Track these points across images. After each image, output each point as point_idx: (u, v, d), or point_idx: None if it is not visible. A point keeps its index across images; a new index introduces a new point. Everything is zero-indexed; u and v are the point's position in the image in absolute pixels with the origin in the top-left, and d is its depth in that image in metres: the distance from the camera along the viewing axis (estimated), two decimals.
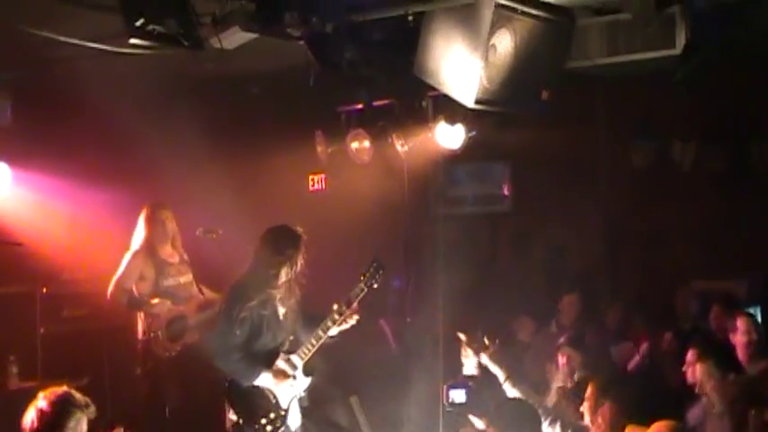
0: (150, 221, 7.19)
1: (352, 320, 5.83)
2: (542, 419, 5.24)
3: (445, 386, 4.57)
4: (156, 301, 7.05)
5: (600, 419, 4.80)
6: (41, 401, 4.37)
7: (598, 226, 9.40)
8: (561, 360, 6.80)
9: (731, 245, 8.61)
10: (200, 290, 7.20)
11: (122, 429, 4.49)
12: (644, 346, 7.36)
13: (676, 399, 6.11)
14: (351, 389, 6.77)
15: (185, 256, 7.34)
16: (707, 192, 8.85)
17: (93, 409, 4.39)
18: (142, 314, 7.15)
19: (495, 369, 5.45)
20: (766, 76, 8.16)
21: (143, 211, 7.26)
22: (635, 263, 9.17)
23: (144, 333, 7.13)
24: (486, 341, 5.48)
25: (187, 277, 7.27)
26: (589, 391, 5.33)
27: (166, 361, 7.06)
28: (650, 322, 8.03)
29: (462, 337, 5.45)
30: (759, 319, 7.19)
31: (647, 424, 4.52)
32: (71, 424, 4.28)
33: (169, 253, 7.24)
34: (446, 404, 4.56)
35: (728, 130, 8.66)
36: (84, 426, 4.38)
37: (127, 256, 7.16)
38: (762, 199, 8.47)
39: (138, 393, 7.60)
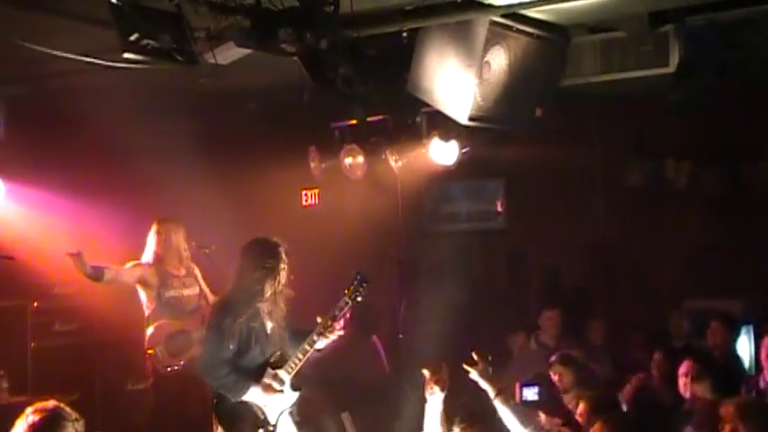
0: (158, 234, 7.24)
1: (336, 334, 5.80)
2: None
3: (518, 384, 4.51)
4: (150, 330, 7.03)
5: None
6: (31, 416, 4.33)
7: (592, 244, 9.39)
8: (553, 378, 6.77)
9: (725, 265, 8.60)
10: (207, 302, 7.17)
11: None
12: (638, 377, 7.29)
13: (667, 418, 6.08)
14: (342, 405, 6.73)
15: (195, 271, 7.34)
16: (701, 212, 8.85)
17: (81, 423, 4.35)
18: (145, 330, 7.12)
19: (484, 385, 5.41)
20: (761, 97, 8.19)
21: (153, 224, 7.29)
22: (628, 281, 9.15)
23: (145, 349, 7.11)
24: (476, 357, 5.44)
25: (193, 290, 7.27)
26: (581, 408, 5.30)
27: (167, 376, 7.03)
28: (644, 341, 8.01)
29: (426, 372, 5.43)
30: (752, 339, 7.20)
31: None
32: None
33: (175, 266, 7.25)
34: (519, 402, 4.50)
35: (723, 151, 8.68)
36: None
37: (132, 263, 7.19)
38: (755, 219, 8.48)
39: (133, 408, 7.57)
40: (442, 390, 5.35)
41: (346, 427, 6.56)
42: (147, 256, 7.25)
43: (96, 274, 6.97)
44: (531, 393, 4.39)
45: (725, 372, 6.02)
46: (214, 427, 5.73)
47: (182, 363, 7.00)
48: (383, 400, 7.58)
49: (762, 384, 6.26)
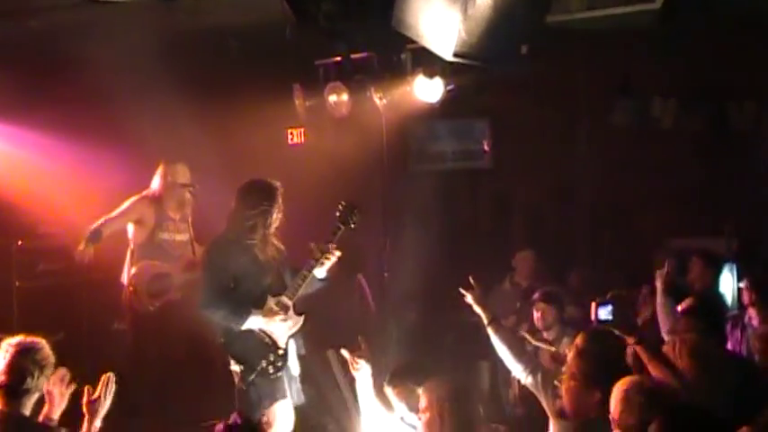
0: (163, 176, 7.22)
1: (334, 257, 5.83)
2: (522, 367, 5.27)
3: (593, 303, 4.55)
4: (134, 269, 7.04)
5: (568, 374, 4.78)
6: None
7: (578, 184, 9.41)
8: (536, 315, 6.83)
9: (709, 203, 8.65)
10: (193, 251, 7.18)
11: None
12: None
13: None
14: (327, 343, 6.78)
15: (189, 217, 7.32)
16: (686, 150, 8.87)
17: (46, 354, 4.42)
18: (127, 267, 7.12)
19: (478, 311, 5.44)
20: (747, 37, 8.14)
21: (160, 163, 7.26)
22: (613, 221, 9.19)
23: (126, 286, 7.12)
24: (472, 281, 5.47)
25: (183, 236, 7.27)
26: (571, 354, 5.32)
27: (145, 316, 7.06)
28: (626, 281, 8.06)
29: (345, 353, 5.50)
30: (735, 277, 7.25)
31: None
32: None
33: (173, 209, 7.24)
34: (594, 321, 4.54)
35: (708, 91, 8.66)
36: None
37: (133, 198, 7.18)
38: (740, 158, 8.51)
39: (117, 347, 7.60)
40: (367, 362, 5.40)
41: (332, 365, 6.60)
42: (149, 191, 7.24)
43: (95, 239, 6.99)
44: (604, 312, 4.42)
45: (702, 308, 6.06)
46: (229, 364, 5.78)
47: (157, 305, 7.03)
48: (368, 338, 7.64)
49: (746, 320, 6.33)
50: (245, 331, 5.75)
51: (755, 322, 6.24)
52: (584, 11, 6.54)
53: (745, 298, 6.38)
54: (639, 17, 6.42)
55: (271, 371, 5.76)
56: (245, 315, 5.71)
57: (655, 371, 4.46)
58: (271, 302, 5.78)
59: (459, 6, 5.67)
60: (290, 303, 5.82)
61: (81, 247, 7.01)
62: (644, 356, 4.52)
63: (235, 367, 5.79)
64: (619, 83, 8.96)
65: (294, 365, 5.92)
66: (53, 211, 8.17)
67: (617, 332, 4.60)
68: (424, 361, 5.67)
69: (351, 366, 5.48)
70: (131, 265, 7.12)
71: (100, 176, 8.04)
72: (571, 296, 7.79)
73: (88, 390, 4.47)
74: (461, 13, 5.69)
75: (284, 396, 5.80)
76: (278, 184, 5.84)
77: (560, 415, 4.72)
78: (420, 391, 4.94)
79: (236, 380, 5.81)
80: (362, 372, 5.46)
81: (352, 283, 8.11)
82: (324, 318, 7.42)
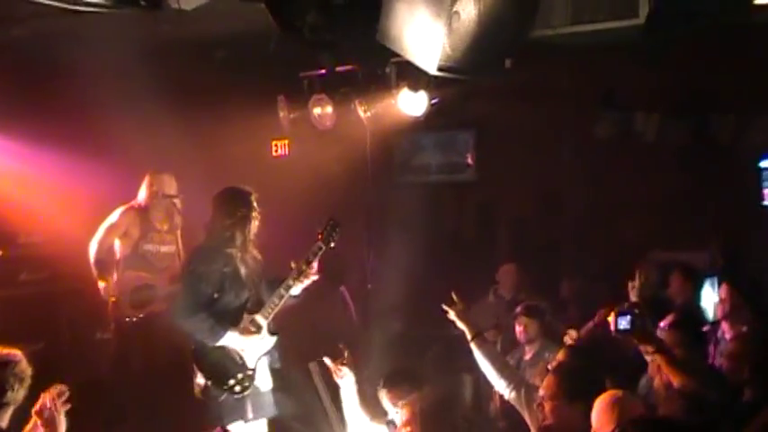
0: (149, 186, 7.20)
1: (312, 278, 5.82)
2: (505, 383, 5.27)
3: (614, 312, 4.56)
4: (116, 280, 7.02)
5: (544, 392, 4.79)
6: None
7: (561, 196, 9.43)
8: (518, 328, 6.84)
9: (692, 217, 8.68)
10: (180, 262, 7.15)
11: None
12: (600, 313, 7.40)
13: (633, 368, 6.15)
14: (310, 355, 6.76)
15: (178, 228, 7.28)
16: (669, 164, 8.91)
17: (22, 366, 4.37)
18: (112, 278, 7.10)
19: (461, 326, 5.45)
20: (729, 50, 8.19)
21: (146, 175, 7.26)
22: (597, 233, 9.22)
23: (109, 295, 7.09)
24: (455, 297, 5.48)
25: (170, 248, 7.26)
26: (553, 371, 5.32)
27: (128, 325, 7.04)
28: (611, 293, 8.07)
29: (327, 361, 5.50)
30: (716, 291, 7.27)
31: None
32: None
33: (160, 220, 7.22)
34: (613, 331, 4.56)
35: (691, 104, 8.71)
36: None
37: (119, 210, 7.16)
38: (722, 172, 8.54)
39: (99, 356, 7.56)
40: (351, 369, 5.40)
41: (314, 377, 6.58)
42: (135, 201, 7.23)
43: (104, 268, 7.04)
44: (624, 322, 4.45)
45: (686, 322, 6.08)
46: (194, 374, 5.75)
47: (140, 315, 7.00)
48: (351, 349, 7.62)
49: (719, 333, 6.35)
50: (218, 346, 5.72)
51: (728, 336, 6.28)
52: (568, 25, 6.56)
53: (719, 311, 6.42)
54: (623, 32, 6.45)
55: (237, 389, 5.72)
56: (222, 332, 5.67)
57: (675, 378, 4.48)
58: (246, 321, 5.74)
59: (444, 20, 5.66)
60: (264, 323, 5.78)
61: (100, 285, 7.02)
62: (663, 364, 4.54)
63: (200, 380, 5.75)
64: (602, 96, 9.01)
65: (266, 380, 5.88)
66: (35, 220, 8.14)
67: (636, 342, 4.64)
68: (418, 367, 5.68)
69: (334, 374, 5.47)
70: (116, 276, 7.09)
71: (83, 185, 8.01)
72: (558, 308, 7.83)
73: (44, 397, 4.40)
74: (446, 26, 5.68)
75: (243, 417, 5.73)
76: (251, 189, 5.84)
77: None
78: (401, 403, 4.96)
79: (197, 391, 5.76)
80: (346, 379, 5.46)
81: (335, 294, 8.10)
82: (306, 329, 7.44)
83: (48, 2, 5.15)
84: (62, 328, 8.09)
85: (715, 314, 7.19)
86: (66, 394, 4.42)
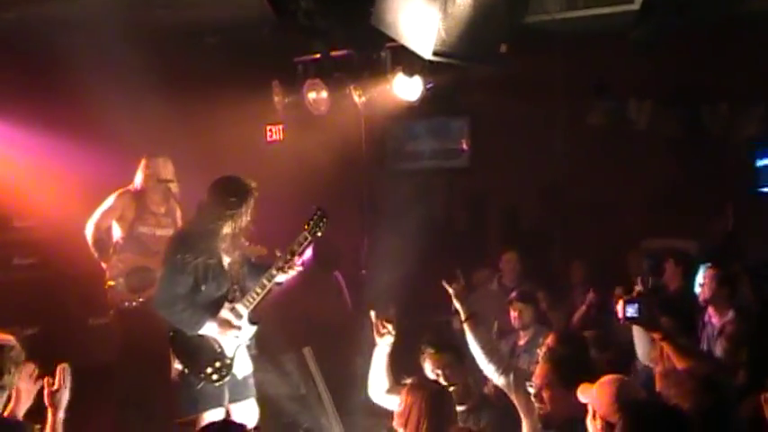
0: (145, 169, 7.14)
1: (296, 269, 5.78)
2: (494, 368, 5.29)
3: (622, 300, 4.62)
4: (112, 264, 7.02)
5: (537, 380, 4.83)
6: None
7: (554, 184, 9.46)
8: (513, 314, 6.86)
9: (683, 205, 8.71)
10: None
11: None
12: (590, 296, 7.45)
13: (626, 355, 6.18)
14: (304, 340, 6.77)
15: (177, 213, 7.26)
16: (661, 152, 8.95)
17: (16, 350, 4.38)
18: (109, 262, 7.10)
19: (457, 305, 5.45)
20: (721, 40, 8.22)
21: (142, 159, 7.18)
22: (588, 221, 9.25)
23: (106, 280, 7.09)
24: (458, 275, 5.48)
25: (166, 231, 7.15)
26: (543, 350, 5.35)
27: (129, 311, 7.02)
28: (603, 280, 8.11)
29: (373, 314, 5.49)
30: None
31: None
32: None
33: (156, 202, 7.17)
34: (622, 318, 4.62)
35: (683, 93, 8.74)
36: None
37: (115, 194, 7.12)
38: (713, 161, 8.57)
39: (93, 342, 7.59)
40: (394, 328, 5.38)
41: (308, 362, 6.59)
42: (132, 185, 7.18)
43: (103, 246, 7.00)
44: (632, 310, 4.51)
45: (678, 309, 6.14)
46: (171, 360, 5.72)
47: (140, 299, 6.99)
48: (345, 335, 7.64)
49: (705, 318, 6.40)
50: (197, 334, 5.64)
51: (715, 320, 6.32)
52: (562, 11, 6.56)
53: (701, 295, 6.44)
54: (618, 18, 6.46)
55: (214, 378, 5.63)
56: (200, 322, 5.60)
57: (682, 362, 4.53)
58: (226, 309, 5.66)
59: (439, 5, 5.68)
60: (245, 313, 5.72)
61: (105, 266, 7.00)
62: (671, 350, 4.58)
63: (177, 365, 5.69)
64: (595, 84, 9.03)
65: (246, 366, 5.82)
66: (28, 204, 8.12)
67: (644, 329, 4.64)
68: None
69: (376, 329, 5.42)
70: (111, 257, 7.07)
71: (75, 170, 7.99)
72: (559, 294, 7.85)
73: (48, 381, 4.42)
74: (441, 11, 5.70)
75: (219, 404, 5.66)
76: (254, 184, 5.71)
77: (546, 426, 4.73)
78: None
79: (174, 375, 5.72)
80: (385, 338, 5.42)
81: (329, 280, 8.11)
82: (300, 315, 7.45)
83: None
84: (55, 312, 8.07)
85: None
86: (36, 373, 4.45)
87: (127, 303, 6.99)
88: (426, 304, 8.12)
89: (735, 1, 7.68)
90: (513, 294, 7.00)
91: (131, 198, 7.10)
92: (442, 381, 5.22)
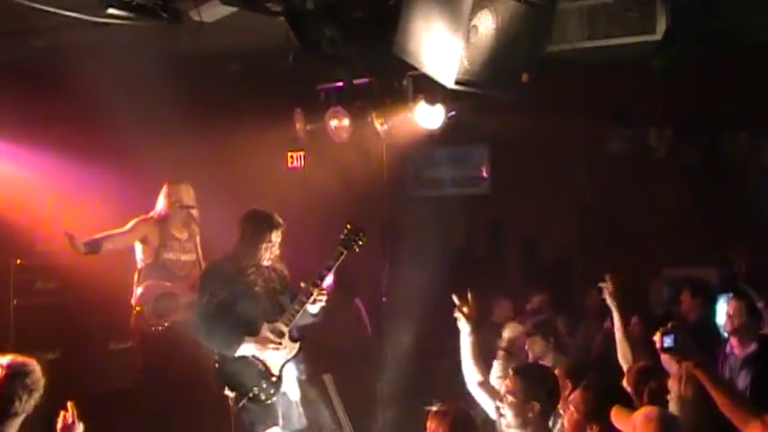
0: (165, 195, 7.21)
1: (323, 300, 5.85)
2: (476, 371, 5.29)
3: (660, 332, 4.72)
4: (140, 289, 7.05)
5: (572, 407, 4.80)
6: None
7: (574, 211, 9.45)
8: (526, 346, 6.82)
9: (703, 233, 8.68)
10: (200, 270, 7.17)
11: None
12: (607, 325, 7.41)
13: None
14: (325, 367, 6.78)
15: (197, 237, 7.31)
16: (681, 180, 8.92)
17: (35, 376, 4.36)
18: (135, 286, 7.13)
19: (464, 323, 5.40)
20: (742, 68, 8.23)
21: (164, 185, 7.25)
22: (609, 249, 9.22)
23: (133, 306, 7.13)
24: (470, 297, 5.45)
25: (190, 256, 7.24)
26: (557, 373, 5.33)
27: (154, 336, 7.05)
28: (623, 308, 8.07)
29: (455, 299, 5.41)
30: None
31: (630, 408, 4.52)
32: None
33: (179, 228, 7.23)
34: (660, 349, 4.72)
35: (703, 121, 8.73)
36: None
37: (136, 219, 7.17)
38: (733, 189, 8.54)
39: (114, 367, 7.63)
40: (468, 319, 5.32)
41: (328, 389, 6.60)
42: (153, 212, 7.23)
43: (93, 249, 6.96)
44: (669, 340, 4.61)
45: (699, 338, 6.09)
46: (224, 390, 5.78)
47: (166, 324, 7.03)
48: (365, 362, 7.65)
49: (728, 349, 6.34)
50: (238, 357, 5.76)
51: (738, 351, 6.27)
52: (583, 41, 6.60)
53: (728, 326, 6.40)
54: (639, 47, 6.49)
55: (263, 397, 5.77)
56: (237, 343, 5.71)
57: (715, 393, 4.52)
58: (266, 329, 5.77)
59: (462, 34, 5.70)
60: (285, 330, 5.80)
61: (75, 242, 6.91)
62: (704, 379, 4.58)
63: (229, 393, 5.81)
64: (616, 112, 9.03)
65: (294, 390, 5.92)
66: (51, 229, 8.16)
67: (679, 358, 4.71)
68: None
69: (458, 311, 5.36)
70: (137, 285, 7.12)
71: (99, 196, 8.06)
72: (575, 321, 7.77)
73: (64, 415, 4.42)
74: (464, 40, 5.72)
75: (276, 423, 5.78)
76: (281, 220, 5.87)
77: None
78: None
79: (231, 403, 5.83)
80: (462, 326, 5.33)
81: (349, 306, 8.12)
82: (320, 341, 7.45)
83: (73, 14, 5.23)
84: (76, 337, 8.09)
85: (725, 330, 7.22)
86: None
87: (153, 329, 7.02)
88: (446, 330, 8.11)
89: (754, 30, 7.69)
90: (529, 326, 6.98)
91: (154, 224, 7.15)
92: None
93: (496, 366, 6.41)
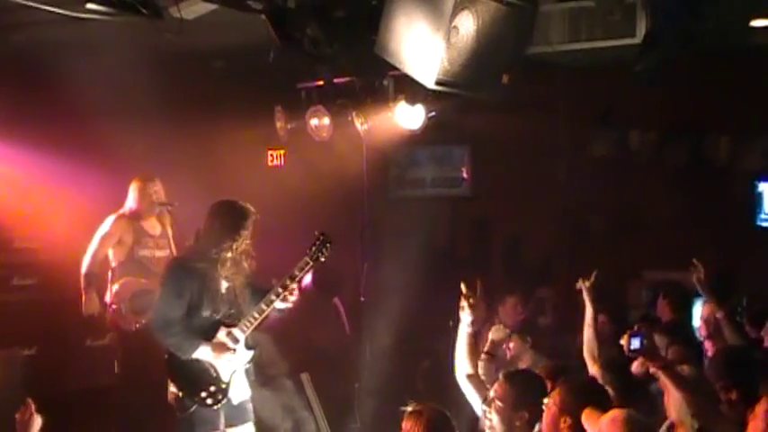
0: (138, 191, 7.21)
1: (294, 297, 5.79)
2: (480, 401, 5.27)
3: (627, 333, 4.77)
4: (115, 287, 7.01)
5: (551, 403, 4.80)
6: None
7: (556, 213, 9.46)
8: (506, 345, 6.83)
9: (684, 237, 8.70)
10: None
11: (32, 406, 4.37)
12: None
13: None
14: (302, 366, 6.77)
15: (169, 231, 7.29)
16: (663, 183, 8.93)
17: None
18: (110, 284, 7.10)
19: (466, 313, 5.38)
20: (726, 72, 8.25)
21: (134, 179, 7.25)
22: (590, 251, 9.23)
23: (109, 304, 7.10)
24: (478, 286, 5.43)
25: (164, 252, 7.26)
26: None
27: (131, 334, 7.04)
28: (604, 310, 8.08)
29: (462, 287, 5.38)
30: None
31: (603, 409, 4.54)
32: None
33: (152, 225, 7.26)
34: (626, 351, 4.76)
35: (686, 124, 8.74)
36: None
37: (110, 218, 7.17)
38: (716, 193, 8.57)
39: (91, 363, 7.65)
40: (472, 309, 5.28)
41: (305, 388, 6.58)
42: (125, 209, 7.24)
43: (92, 282, 7.06)
44: (636, 343, 4.72)
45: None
46: (168, 384, 5.73)
47: (143, 321, 7.00)
48: (343, 361, 7.64)
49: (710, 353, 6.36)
50: (193, 358, 5.67)
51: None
52: (565, 43, 6.61)
53: (702, 330, 6.44)
54: (619, 51, 6.50)
55: (209, 402, 5.67)
56: (193, 346, 5.63)
57: (681, 394, 4.60)
58: (222, 333, 5.69)
59: (443, 35, 5.69)
60: (241, 337, 5.73)
61: (84, 299, 7.05)
62: (670, 381, 4.70)
63: (173, 389, 5.73)
64: (599, 114, 9.05)
65: (243, 391, 5.83)
66: (28, 225, 8.14)
67: (645, 359, 4.84)
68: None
69: (463, 300, 5.32)
70: (112, 283, 7.09)
71: (78, 192, 8.03)
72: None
73: (23, 410, 4.35)
74: (444, 41, 5.71)
75: (215, 428, 5.68)
76: (253, 209, 5.78)
77: None
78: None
79: (170, 399, 5.74)
80: (464, 316, 5.31)
81: (328, 306, 8.11)
82: (299, 341, 7.44)
83: (52, 9, 5.19)
84: (53, 333, 8.05)
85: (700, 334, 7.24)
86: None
87: (130, 327, 7.00)
88: (426, 331, 8.11)
89: (737, 34, 7.74)
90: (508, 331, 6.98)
91: (127, 222, 7.15)
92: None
93: (480, 366, 6.42)
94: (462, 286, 5.34)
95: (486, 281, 8.84)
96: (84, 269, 7.08)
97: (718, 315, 6.23)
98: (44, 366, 7.40)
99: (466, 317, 5.33)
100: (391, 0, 5.94)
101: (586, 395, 4.54)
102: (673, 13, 6.00)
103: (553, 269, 9.53)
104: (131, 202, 7.23)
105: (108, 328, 7.26)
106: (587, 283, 5.77)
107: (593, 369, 5.37)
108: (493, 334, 6.46)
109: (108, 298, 7.12)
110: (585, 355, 5.65)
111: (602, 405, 4.42)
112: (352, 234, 7.54)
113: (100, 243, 7.10)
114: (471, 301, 5.33)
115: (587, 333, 5.68)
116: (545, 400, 4.67)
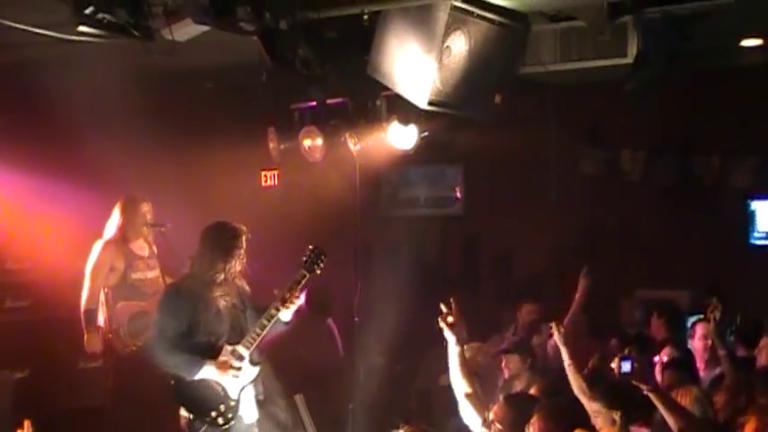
0: (125, 212, 7.18)
1: (296, 305, 5.79)
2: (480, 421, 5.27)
3: (618, 357, 4.84)
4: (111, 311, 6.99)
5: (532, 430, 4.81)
6: None
7: (547, 232, 9.47)
8: (503, 364, 6.83)
9: (676, 255, 8.73)
10: (164, 283, 7.14)
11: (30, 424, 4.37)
12: (595, 358, 7.36)
13: None
14: (296, 387, 6.75)
15: (155, 250, 7.28)
16: (654, 202, 8.96)
17: None
18: (104, 308, 7.08)
19: (450, 333, 5.37)
20: (713, 92, 8.31)
21: (119, 201, 7.23)
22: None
23: (105, 328, 7.07)
24: (453, 304, 5.42)
25: (155, 272, 7.23)
26: (533, 392, 5.36)
27: (127, 357, 7.02)
28: (594, 329, 8.09)
29: (442, 307, 5.38)
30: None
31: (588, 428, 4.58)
32: None
33: (140, 246, 7.24)
34: (617, 374, 4.84)
35: (676, 143, 8.78)
36: None
37: (98, 245, 7.14)
38: (706, 211, 8.59)
39: (85, 385, 7.62)
40: (452, 329, 5.24)
41: (300, 409, 6.57)
42: (110, 232, 7.19)
43: (93, 320, 7.02)
44: (626, 366, 4.80)
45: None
46: (180, 409, 5.73)
47: (139, 344, 6.98)
48: (337, 382, 7.61)
49: (702, 374, 6.37)
50: (199, 379, 5.69)
51: (703, 374, 6.32)
52: (556, 63, 6.65)
53: (695, 349, 6.47)
54: (609, 71, 6.55)
55: (220, 422, 5.69)
56: (197, 366, 5.65)
57: (670, 417, 4.65)
58: (226, 352, 5.71)
59: (435, 55, 5.74)
60: (246, 354, 5.75)
61: (86, 337, 7.02)
62: (659, 403, 4.77)
63: (184, 413, 5.74)
64: (589, 133, 9.08)
65: (251, 412, 5.85)
66: (20, 246, 8.12)
67: (635, 382, 4.83)
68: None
69: (442, 321, 5.27)
70: (107, 308, 7.06)
71: (69, 213, 8.01)
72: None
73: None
74: (437, 61, 5.76)
75: None
76: (243, 228, 5.81)
77: None
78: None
79: (182, 423, 5.75)
80: (449, 336, 5.27)
81: (321, 326, 8.09)
82: (292, 361, 7.42)
83: (44, 32, 5.20)
84: (46, 356, 8.03)
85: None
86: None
87: (128, 350, 6.98)
88: (419, 350, 8.10)
89: (725, 54, 7.80)
90: (504, 345, 6.99)
91: (116, 248, 7.10)
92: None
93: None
94: (442, 306, 5.33)
95: (475, 299, 8.99)
96: (83, 306, 7.03)
97: (721, 353, 6.17)
98: (37, 389, 7.36)
99: (450, 336, 5.31)
100: (383, 21, 6.00)
101: (562, 419, 4.60)
102: (663, 33, 6.04)
103: (544, 288, 9.53)
104: (116, 225, 7.17)
105: (104, 353, 7.20)
106: (561, 329, 5.68)
107: (590, 406, 5.31)
108: (467, 352, 6.46)
109: (101, 322, 7.08)
110: (577, 394, 5.63)
111: (583, 425, 4.47)
112: (346, 254, 7.54)
113: (93, 276, 7.04)
114: (450, 320, 5.31)
115: (569, 375, 5.62)
116: (525, 428, 4.72)
